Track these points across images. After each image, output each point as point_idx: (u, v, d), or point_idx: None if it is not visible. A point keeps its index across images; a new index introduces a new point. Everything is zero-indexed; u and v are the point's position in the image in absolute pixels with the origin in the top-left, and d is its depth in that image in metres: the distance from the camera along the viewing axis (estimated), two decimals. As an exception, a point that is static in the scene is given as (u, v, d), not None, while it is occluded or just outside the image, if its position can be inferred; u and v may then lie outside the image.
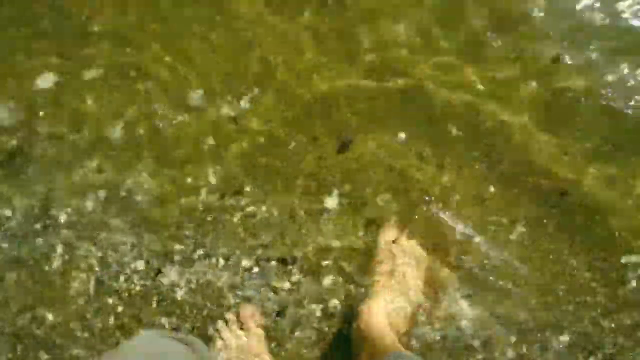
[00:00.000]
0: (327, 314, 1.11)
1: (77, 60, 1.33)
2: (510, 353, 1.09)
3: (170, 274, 1.13)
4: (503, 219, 1.13)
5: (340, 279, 1.11)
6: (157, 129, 1.25)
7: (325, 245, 1.13)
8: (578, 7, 1.29)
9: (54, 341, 1.13)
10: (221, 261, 1.13)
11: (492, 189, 1.16)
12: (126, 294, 1.13)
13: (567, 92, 1.21)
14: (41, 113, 1.29)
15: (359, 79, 1.26)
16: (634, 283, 1.08)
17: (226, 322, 1.08)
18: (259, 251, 1.15)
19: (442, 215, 1.14)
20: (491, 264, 1.11)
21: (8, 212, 1.22)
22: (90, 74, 1.32)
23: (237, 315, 1.08)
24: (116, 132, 1.26)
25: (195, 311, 1.12)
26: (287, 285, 1.13)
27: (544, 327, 1.08)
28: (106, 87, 1.30)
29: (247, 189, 1.18)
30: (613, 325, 1.07)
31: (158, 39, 1.34)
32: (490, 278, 1.10)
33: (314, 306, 1.11)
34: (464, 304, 1.10)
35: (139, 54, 1.33)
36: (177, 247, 1.15)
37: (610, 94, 1.20)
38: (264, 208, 1.16)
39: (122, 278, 1.14)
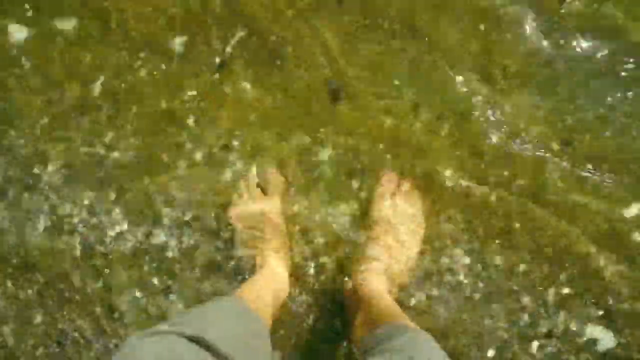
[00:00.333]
0: (319, 273, 1.08)
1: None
2: (512, 304, 1.07)
3: (161, 236, 1.10)
4: (504, 171, 1.08)
5: (334, 237, 1.08)
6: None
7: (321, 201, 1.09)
8: None
9: (47, 303, 1.11)
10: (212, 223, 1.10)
11: (492, 139, 1.10)
12: (115, 255, 1.10)
13: None
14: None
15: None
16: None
17: (247, 185, 1.08)
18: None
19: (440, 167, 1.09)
20: (491, 215, 1.07)
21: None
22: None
23: (259, 179, 1.07)
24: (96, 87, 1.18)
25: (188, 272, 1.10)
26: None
27: (542, 278, 1.07)
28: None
29: (235, 143, 1.12)
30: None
31: None
32: (492, 229, 1.07)
33: (309, 263, 1.08)
34: (464, 258, 1.07)
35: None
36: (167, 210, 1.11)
37: None
38: (253, 168, 1.11)
39: (108, 240, 1.11)
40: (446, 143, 1.09)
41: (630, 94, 1.08)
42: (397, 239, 1.02)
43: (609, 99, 1.08)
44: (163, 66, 1.15)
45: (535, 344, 1.09)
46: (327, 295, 1.09)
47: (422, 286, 1.08)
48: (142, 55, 1.16)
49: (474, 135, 1.09)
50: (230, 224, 1.07)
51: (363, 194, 1.08)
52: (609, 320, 1.07)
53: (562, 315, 1.08)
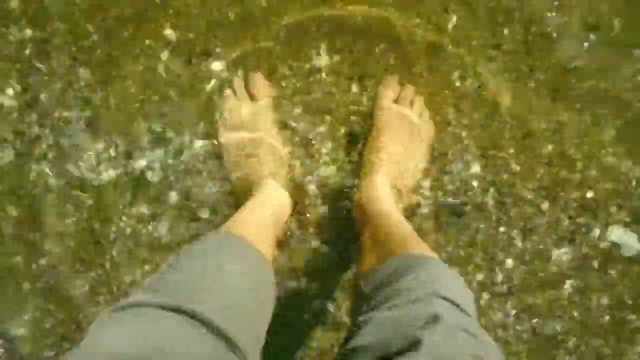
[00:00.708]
0: (322, 189, 0.99)
1: None
2: (529, 210, 0.99)
3: (142, 159, 0.99)
4: (521, 65, 0.97)
5: (335, 146, 0.97)
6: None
7: (317, 108, 0.97)
8: None
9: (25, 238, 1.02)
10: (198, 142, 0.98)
11: (505, 32, 0.98)
12: (95, 183, 1.00)
13: None
14: None
15: None
16: None
17: (234, 92, 0.96)
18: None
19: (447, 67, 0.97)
20: (503, 117, 0.97)
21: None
22: None
23: (246, 84, 0.96)
24: None
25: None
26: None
27: (563, 182, 0.98)
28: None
29: (217, 50, 0.99)
30: None
31: None
32: (507, 133, 0.97)
33: (309, 178, 0.98)
34: (475, 166, 0.98)
35: None
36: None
37: None
38: (239, 73, 0.98)
39: (84, 165, 1.00)
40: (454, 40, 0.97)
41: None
42: (404, 147, 0.92)
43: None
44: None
45: (557, 252, 1.02)
46: (331, 214, 1.00)
47: (431, 196, 0.99)
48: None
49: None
50: (218, 142, 0.96)
51: (365, 100, 0.97)
52: (634, 224, 1.00)
53: (584, 220, 1.00)
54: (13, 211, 1.01)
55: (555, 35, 0.96)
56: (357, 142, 0.97)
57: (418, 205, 0.99)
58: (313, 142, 0.97)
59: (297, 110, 0.96)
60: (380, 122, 0.92)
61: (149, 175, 0.99)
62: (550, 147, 0.97)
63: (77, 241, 1.02)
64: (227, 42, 0.97)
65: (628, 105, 0.97)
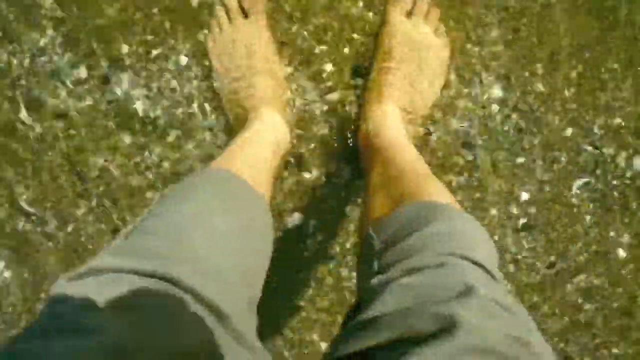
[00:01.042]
0: (326, 116, 0.89)
1: None
2: (551, 137, 0.91)
3: (122, 83, 0.88)
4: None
5: (339, 68, 0.87)
6: None
7: (318, 24, 0.85)
8: None
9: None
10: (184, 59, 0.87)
11: None
12: (73, 113, 0.90)
13: None
14: None
15: None
16: None
17: (225, 6, 0.83)
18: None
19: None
20: (529, 33, 0.86)
21: None
22: None
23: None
24: None
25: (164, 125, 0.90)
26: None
27: (587, 107, 0.88)
28: None
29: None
30: None
31: None
32: (533, 48, 0.86)
33: (309, 104, 0.88)
34: (496, 89, 0.88)
35: None
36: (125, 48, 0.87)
37: None
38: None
39: (63, 93, 0.89)
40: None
41: None
42: (416, 68, 0.81)
43: None
44: None
45: (578, 183, 0.94)
46: (335, 145, 0.91)
47: (447, 122, 0.90)
48: None
49: None
50: (209, 60, 0.85)
51: (371, 16, 0.85)
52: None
53: (609, 149, 0.92)
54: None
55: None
56: (364, 63, 0.86)
57: (428, 133, 0.90)
58: (313, 64, 0.86)
59: (295, 27, 0.85)
60: (390, 40, 0.81)
61: (133, 101, 0.89)
62: (580, 68, 0.86)
63: (55, 177, 0.93)
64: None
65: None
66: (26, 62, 0.88)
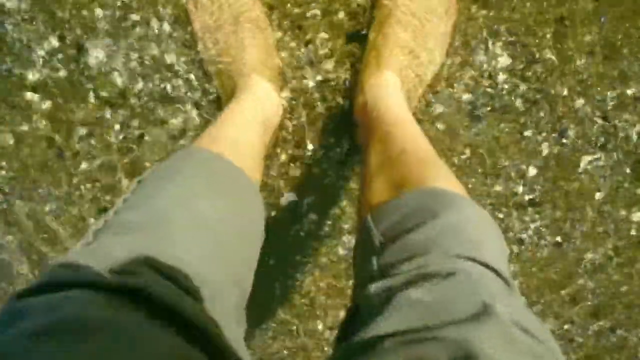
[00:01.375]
0: (318, 83, 0.82)
1: None
2: (560, 109, 0.85)
3: (98, 49, 0.81)
4: None
5: (333, 34, 0.80)
6: None
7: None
8: None
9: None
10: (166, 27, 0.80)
11: None
12: (48, 84, 0.83)
13: None
14: None
15: None
16: None
17: None
18: None
19: None
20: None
21: None
22: None
23: None
24: None
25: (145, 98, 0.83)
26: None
27: (599, 76, 0.82)
28: None
29: None
30: None
31: None
32: (544, 15, 0.79)
33: (301, 72, 0.82)
34: (503, 57, 0.81)
35: None
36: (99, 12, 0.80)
37: None
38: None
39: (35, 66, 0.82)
40: None
41: None
42: (418, 34, 0.75)
43: None
44: None
45: (587, 158, 0.89)
46: (331, 119, 0.84)
47: (450, 93, 0.83)
48: None
49: None
50: (192, 29, 0.78)
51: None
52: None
53: (620, 120, 0.86)
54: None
55: None
56: (360, 27, 0.79)
57: (430, 105, 0.84)
58: (305, 29, 0.79)
59: (286, -11, 0.78)
60: (388, 8, 0.74)
61: (110, 72, 0.82)
62: (594, 34, 0.80)
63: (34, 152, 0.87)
64: None
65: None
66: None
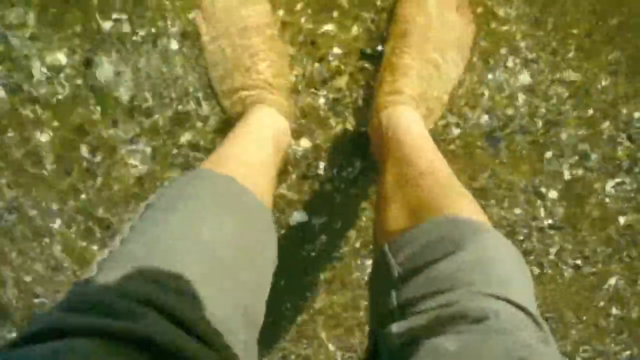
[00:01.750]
0: (334, 100, 0.80)
1: None
2: (584, 131, 0.81)
3: (106, 66, 0.79)
4: None
5: (346, 50, 0.77)
6: None
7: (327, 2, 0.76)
8: None
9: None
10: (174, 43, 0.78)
11: None
12: (52, 101, 0.81)
13: None
14: None
15: None
16: None
17: None
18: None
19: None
20: (564, 9, 0.76)
21: None
22: None
23: None
24: None
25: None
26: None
27: (624, 95, 0.79)
28: None
29: None
30: None
31: None
32: (566, 30, 0.76)
33: (314, 89, 0.79)
34: (524, 74, 0.78)
35: None
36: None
37: None
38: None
39: (41, 79, 0.80)
40: None
41: None
42: (435, 50, 0.72)
43: None
44: None
45: (611, 182, 0.85)
46: (344, 137, 0.82)
47: (468, 112, 0.80)
48: None
49: None
50: (201, 44, 0.76)
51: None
52: None
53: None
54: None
55: None
56: (375, 44, 0.77)
57: (447, 125, 0.81)
58: (318, 44, 0.77)
59: (299, 4, 0.76)
60: (406, 16, 0.71)
61: (116, 87, 0.80)
62: (618, 52, 0.76)
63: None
64: None
65: None
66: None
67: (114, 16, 0.75)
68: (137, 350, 0.32)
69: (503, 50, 0.77)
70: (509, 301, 0.38)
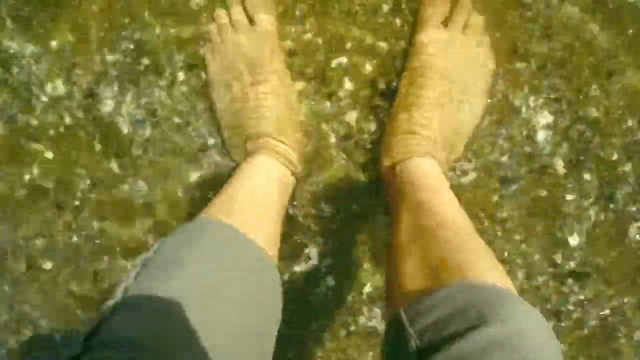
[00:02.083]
0: (343, 137, 0.76)
1: None
2: (607, 172, 0.77)
3: (108, 99, 0.76)
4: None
5: (358, 86, 0.74)
6: None
7: (334, 33, 0.73)
8: None
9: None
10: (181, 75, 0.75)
11: None
12: (51, 132, 0.78)
13: None
14: None
15: None
16: None
17: (227, 11, 0.71)
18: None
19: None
20: (589, 49, 0.72)
21: None
22: None
23: (242, 1, 0.70)
24: None
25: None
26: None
27: None
28: None
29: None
30: None
31: None
32: (585, 70, 0.73)
33: (323, 126, 0.76)
34: (544, 114, 0.74)
35: None
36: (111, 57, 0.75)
37: None
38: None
39: (38, 108, 0.77)
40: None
41: None
42: (455, 89, 0.68)
43: None
44: None
45: (636, 226, 0.80)
46: (354, 178, 0.78)
47: (485, 153, 0.76)
48: None
49: None
50: (204, 69, 0.73)
51: (398, 23, 0.73)
52: None
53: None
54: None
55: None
56: (389, 80, 0.73)
57: (465, 172, 0.77)
58: (329, 79, 0.73)
59: (308, 36, 0.73)
60: (422, 53, 0.68)
61: (118, 121, 0.77)
62: (644, 91, 0.73)
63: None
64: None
65: None
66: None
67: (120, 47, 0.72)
68: None
69: (524, 89, 0.73)
70: None
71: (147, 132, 0.76)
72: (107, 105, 0.76)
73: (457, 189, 0.77)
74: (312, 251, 0.82)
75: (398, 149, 0.66)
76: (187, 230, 0.47)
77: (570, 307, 0.86)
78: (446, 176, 0.66)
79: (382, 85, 0.73)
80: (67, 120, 0.77)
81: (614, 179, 0.77)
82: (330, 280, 0.84)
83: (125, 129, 0.76)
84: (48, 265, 0.84)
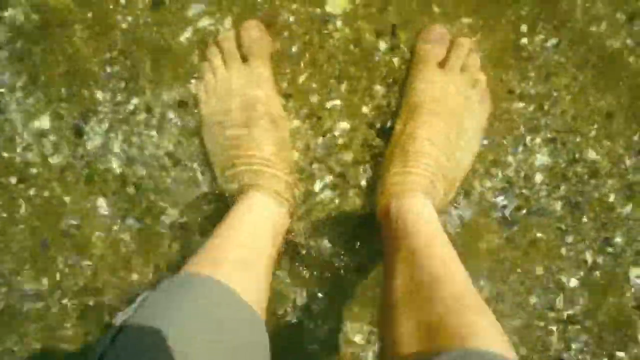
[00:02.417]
0: (338, 177, 0.74)
1: None
2: (606, 214, 0.76)
3: (97, 137, 0.74)
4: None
5: (354, 125, 0.72)
6: None
7: (330, 72, 0.72)
8: None
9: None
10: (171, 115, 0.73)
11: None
12: (37, 170, 0.75)
13: None
14: None
15: None
16: None
17: (220, 49, 0.69)
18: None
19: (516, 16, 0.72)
20: (585, 92, 0.72)
21: None
22: None
23: (237, 39, 0.68)
24: None
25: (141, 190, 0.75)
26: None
27: None
28: None
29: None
30: None
31: None
32: (583, 112, 0.72)
33: (316, 165, 0.74)
34: (542, 154, 0.73)
35: None
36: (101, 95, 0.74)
37: None
38: (227, 22, 0.72)
39: (23, 144, 0.75)
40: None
41: None
42: (451, 129, 0.67)
43: None
44: None
45: (636, 270, 0.78)
46: (348, 220, 0.75)
47: (480, 194, 0.75)
48: None
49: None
50: (199, 114, 0.71)
51: (396, 62, 0.72)
52: None
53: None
54: None
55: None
56: (385, 121, 0.72)
57: (462, 217, 0.75)
58: (324, 119, 0.72)
59: (303, 77, 0.72)
60: (419, 94, 0.67)
61: (107, 160, 0.74)
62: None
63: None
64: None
65: None
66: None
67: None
68: None
69: (520, 129, 0.72)
70: None
71: (139, 171, 0.74)
72: (96, 143, 0.74)
73: (453, 230, 0.76)
74: (298, 299, 0.79)
75: (393, 187, 0.64)
76: (171, 287, 0.44)
77: (572, 355, 0.84)
78: (442, 215, 0.64)
79: (377, 125, 0.72)
80: (55, 157, 0.74)
81: (612, 220, 0.76)
82: (325, 328, 0.81)
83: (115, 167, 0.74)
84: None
